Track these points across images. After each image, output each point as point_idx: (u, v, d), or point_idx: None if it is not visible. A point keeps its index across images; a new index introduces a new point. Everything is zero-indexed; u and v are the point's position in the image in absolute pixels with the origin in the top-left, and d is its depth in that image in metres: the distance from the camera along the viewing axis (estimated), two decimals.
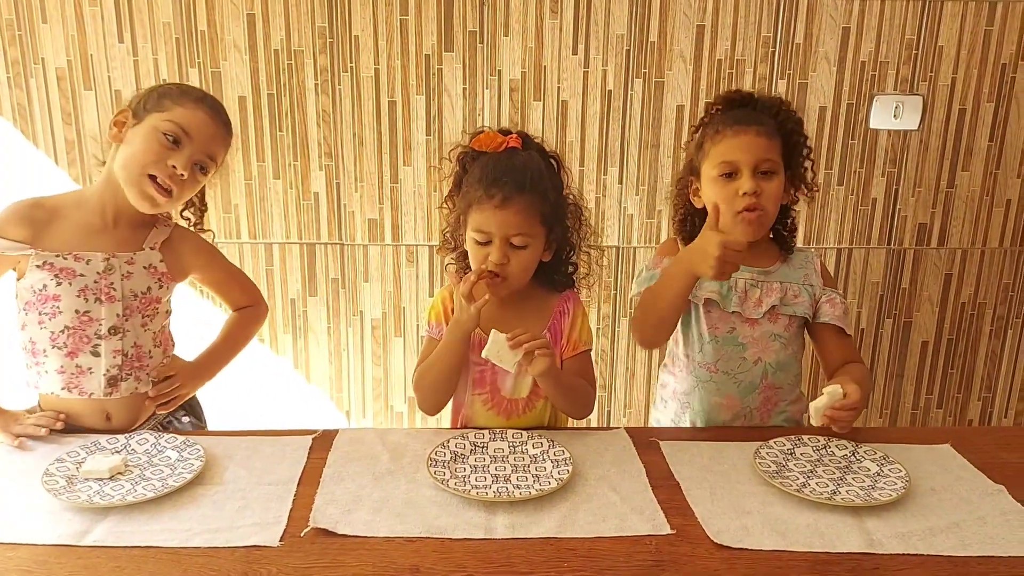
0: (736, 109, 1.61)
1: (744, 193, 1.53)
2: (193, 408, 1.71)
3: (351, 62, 2.17)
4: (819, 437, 1.45)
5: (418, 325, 2.38)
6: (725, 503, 1.26)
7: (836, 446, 1.43)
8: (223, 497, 1.26)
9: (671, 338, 1.70)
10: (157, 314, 1.56)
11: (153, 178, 1.45)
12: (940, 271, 2.40)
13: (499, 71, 2.19)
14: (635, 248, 2.33)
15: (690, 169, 1.64)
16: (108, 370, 1.50)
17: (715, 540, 1.16)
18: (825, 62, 2.21)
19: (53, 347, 1.48)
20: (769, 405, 1.64)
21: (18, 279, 1.48)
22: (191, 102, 1.48)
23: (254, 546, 1.14)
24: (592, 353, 1.60)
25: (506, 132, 1.52)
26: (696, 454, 1.42)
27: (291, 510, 1.22)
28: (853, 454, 1.41)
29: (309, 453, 1.40)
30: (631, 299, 1.87)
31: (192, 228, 1.64)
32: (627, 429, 1.51)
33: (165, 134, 1.44)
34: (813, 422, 1.43)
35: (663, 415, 1.74)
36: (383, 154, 2.24)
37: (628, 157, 2.26)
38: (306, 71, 2.18)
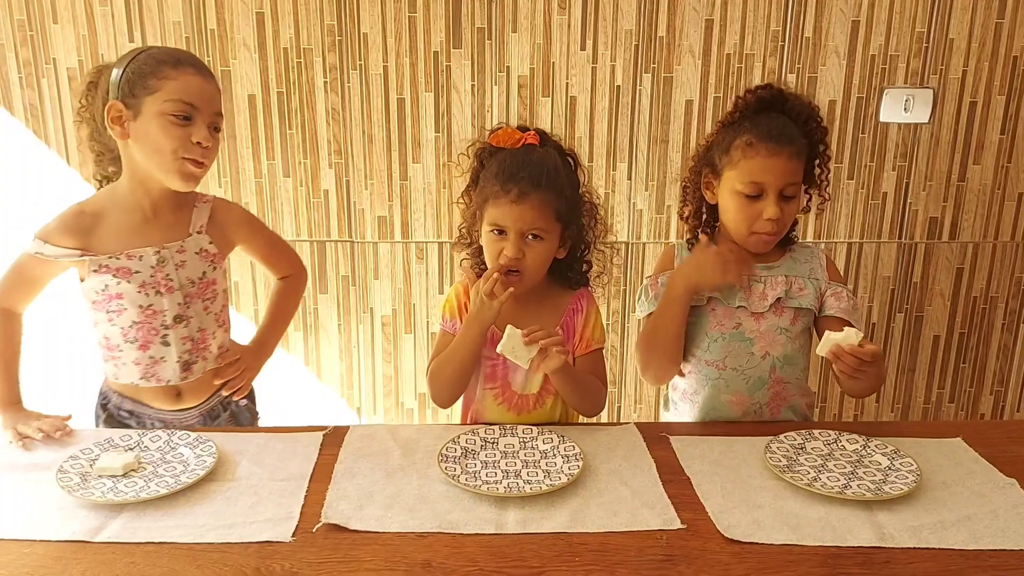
0: (768, 113, 1.56)
1: (768, 219, 1.52)
2: (251, 392, 1.76)
3: (360, 60, 2.18)
4: (830, 432, 1.45)
5: (428, 322, 2.39)
6: (736, 497, 1.26)
7: (847, 440, 1.42)
8: (235, 493, 1.26)
9: None
10: (216, 296, 1.60)
11: (184, 157, 1.46)
12: (952, 265, 2.39)
13: (508, 67, 2.19)
14: (644, 244, 2.33)
15: (710, 163, 1.61)
16: (180, 356, 1.56)
17: (726, 534, 1.16)
18: (835, 56, 2.20)
19: (126, 341, 1.54)
20: (779, 400, 1.63)
21: (81, 281, 1.53)
22: (173, 71, 1.44)
23: (267, 541, 1.14)
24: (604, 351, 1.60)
25: (524, 129, 1.53)
26: (706, 449, 1.42)
27: (303, 506, 1.23)
28: (864, 448, 1.40)
29: (320, 449, 1.40)
30: (638, 321, 1.86)
31: None
32: (637, 424, 1.51)
33: (174, 115, 1.43)
34: (819, 351, 1.41)
35: (674, 417, 1.73)
36: (392, 151, 2.25)
37: (637, 152, 2.26)
38: (315, 69, 2.19)
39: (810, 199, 1.64)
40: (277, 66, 2.18)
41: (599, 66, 2.19)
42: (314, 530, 1.17)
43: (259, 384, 1.77)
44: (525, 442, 1.43)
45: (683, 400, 1.70)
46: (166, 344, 1.55)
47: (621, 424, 1.52)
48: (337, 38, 2.16)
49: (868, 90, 2.23)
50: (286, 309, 1.80)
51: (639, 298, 1.68)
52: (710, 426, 1.62)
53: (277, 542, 1.14)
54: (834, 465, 1.36)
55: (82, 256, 1.48)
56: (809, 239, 2.32)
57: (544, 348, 1.39)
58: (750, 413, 1.63)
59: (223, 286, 1.63)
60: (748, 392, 1.62)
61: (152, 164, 1.47)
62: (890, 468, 1.33)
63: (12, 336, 1.57)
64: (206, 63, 1.51)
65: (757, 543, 1.15)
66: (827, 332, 1.42)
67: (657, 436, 1.46)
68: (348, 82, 2.20)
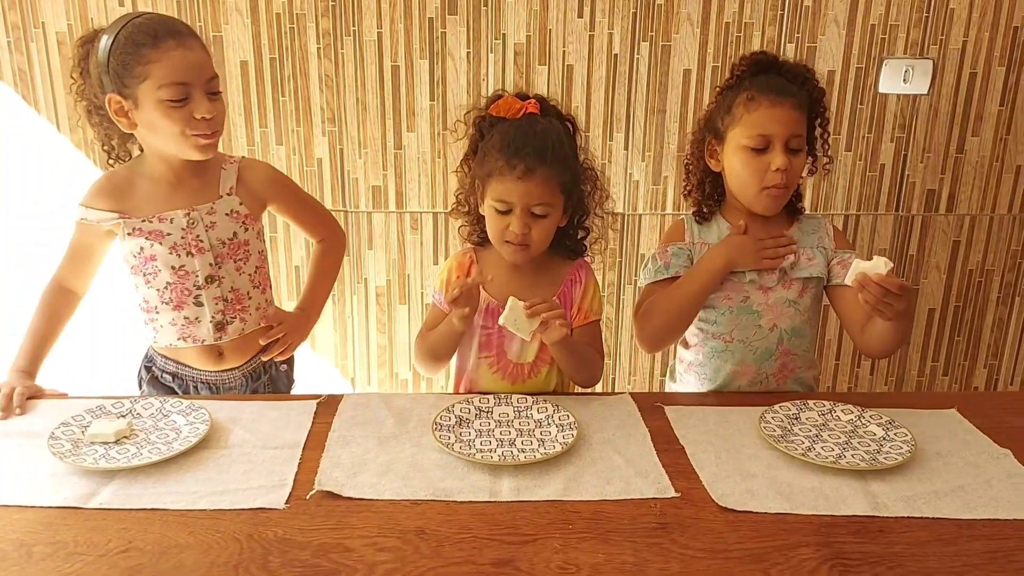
0: (764, 74, 1.56)
1: (776, 169, 1.51)
2: (290, 359, 1.78)
3: (354, 26, 2.15)
4: (824, 402, 1.45)
5: (423, 293, 2.38)
6: (730, 467, 1.26)
7: (842, 411, 1.42)
8: (228, 461, 1.26)
9: None
10: (250, 256, 1.62)
11: (194, 134, 1.47)
12: (948, 238, 2.38)
13: (504, 35, 2.16)
14: (641, 215, 2.32)
15: (712, 130, 1.60)
16: (213, 316, 1.59)
17: (720, 503, 1.16)
18: (834, 25, 2.17)
19: (162, 303, 1.58)
20: (785, 371, 1.63)
21: (121, 245, 1.57)
22: (154, 52, 1.41)
23: (260, 508, 1.14)
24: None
25: (523, 97, 1.50)
26: (701, 419, 1.42)
27: (297, 473, 1.23)
28: (859, 418, 1.40)
29: (314, 418, 1.40)
30: (638, 288, 1.85)
31: None
32: (632, 394, 1.50)
33: (172, 100, 1.43)
34: (847, 280, 1.36)
35: (680, 389, 1.73)
36: (386, 119, 2.23)
37: (634, 122, 2.24)
38: (308, 35, 2.16)
39: (814, 161, 1.63)
40: (270, 31, 2.15)
41: (596, 34, 2.17)
42: (307, 497, 1.17)
43: (300, 353, 1.80)
44: (520, 411, 1.42)
45: (688, 372, 1.70)
46: (199, 304, 1.58)
47: (616, 394, 1.52)
48: (331, 3, 2.13)
49: (867, 60, 2.21)
50: (327, 274, 1.81)
51: (645, 266, 1.67)
52: (705, 396, 1.62)
53: (270, 509, 1.14)
54: (828, 435, 1.36)
55: (119, 219, 1.52)
56: (808, 211, 2.30)
57: (546, 320, 1.39)
58: (756, 384, 1.63)
59: (258, 248, 1.64)
60: (755, 363, 1.62)
61: (168, 147, 1.50)
62: (884, 438, 1.34)
63: (57, 311, 1.60)
64: (196, 29, 1.48)
65: (751, 512, 1.15)
66: (855, 260, 1.37)
67: (652, 406, 1.46)
68: (342, 48, 2.17)
